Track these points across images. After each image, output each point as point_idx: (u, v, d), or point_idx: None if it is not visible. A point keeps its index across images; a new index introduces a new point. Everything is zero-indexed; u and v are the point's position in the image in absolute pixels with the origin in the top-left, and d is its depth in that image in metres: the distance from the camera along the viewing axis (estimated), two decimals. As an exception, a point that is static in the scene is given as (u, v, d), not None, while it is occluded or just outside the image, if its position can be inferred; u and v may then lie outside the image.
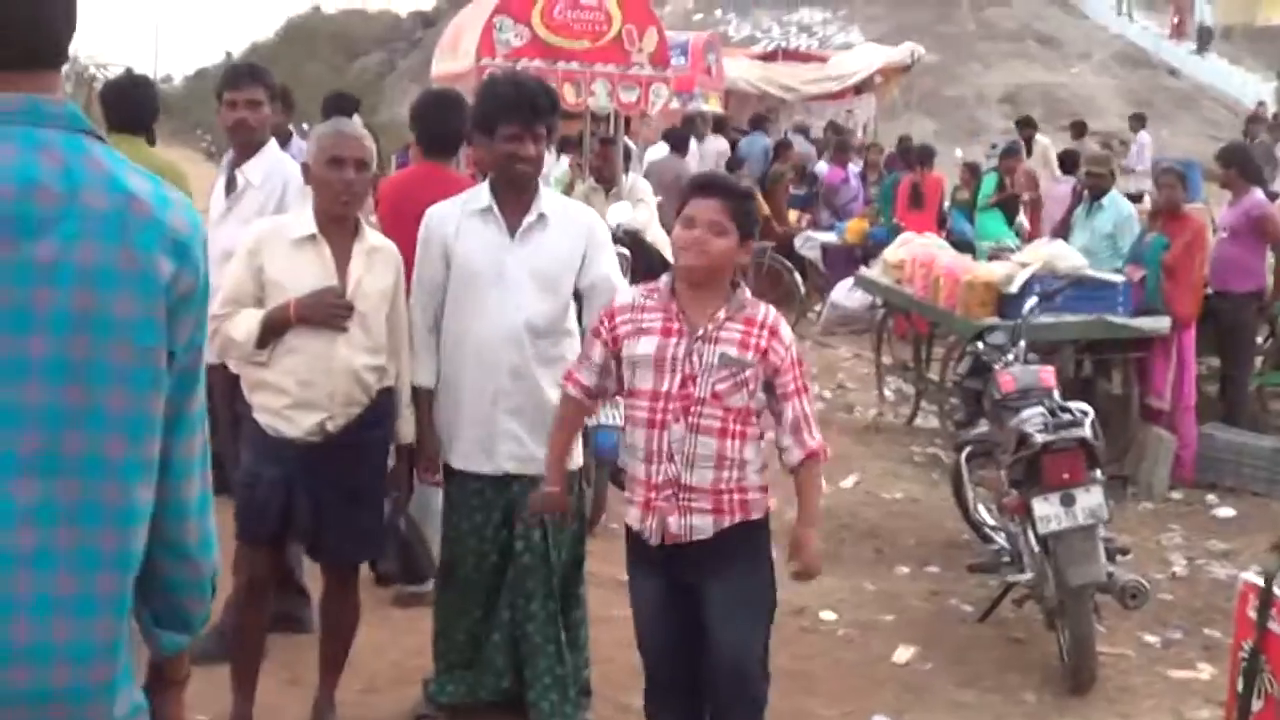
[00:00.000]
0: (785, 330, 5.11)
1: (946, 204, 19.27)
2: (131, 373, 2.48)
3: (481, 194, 6.05)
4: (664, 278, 5.15)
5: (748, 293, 5.14)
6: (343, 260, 5.72)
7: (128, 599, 2.56)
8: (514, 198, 5.99)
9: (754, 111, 25.79)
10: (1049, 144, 23.04)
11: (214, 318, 5.67)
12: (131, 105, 8.26)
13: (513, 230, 5.96)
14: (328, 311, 5.61)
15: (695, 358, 4.96)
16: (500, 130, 5.88)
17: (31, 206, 2.41)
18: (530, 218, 5.96)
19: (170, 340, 2.54)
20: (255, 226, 6.02)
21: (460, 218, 6.04)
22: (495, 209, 5.98)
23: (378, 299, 5.76)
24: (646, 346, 5.02)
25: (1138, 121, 29.16)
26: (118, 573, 2.51)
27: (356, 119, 11.94)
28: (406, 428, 6.03)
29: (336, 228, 5.74)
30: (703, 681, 5.22)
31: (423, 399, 6.16)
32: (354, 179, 5.68)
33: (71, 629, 2.45)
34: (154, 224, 2.51)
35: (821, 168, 22.12)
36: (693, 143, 21.66)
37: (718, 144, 22.22)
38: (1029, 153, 21.03)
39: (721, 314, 5.00)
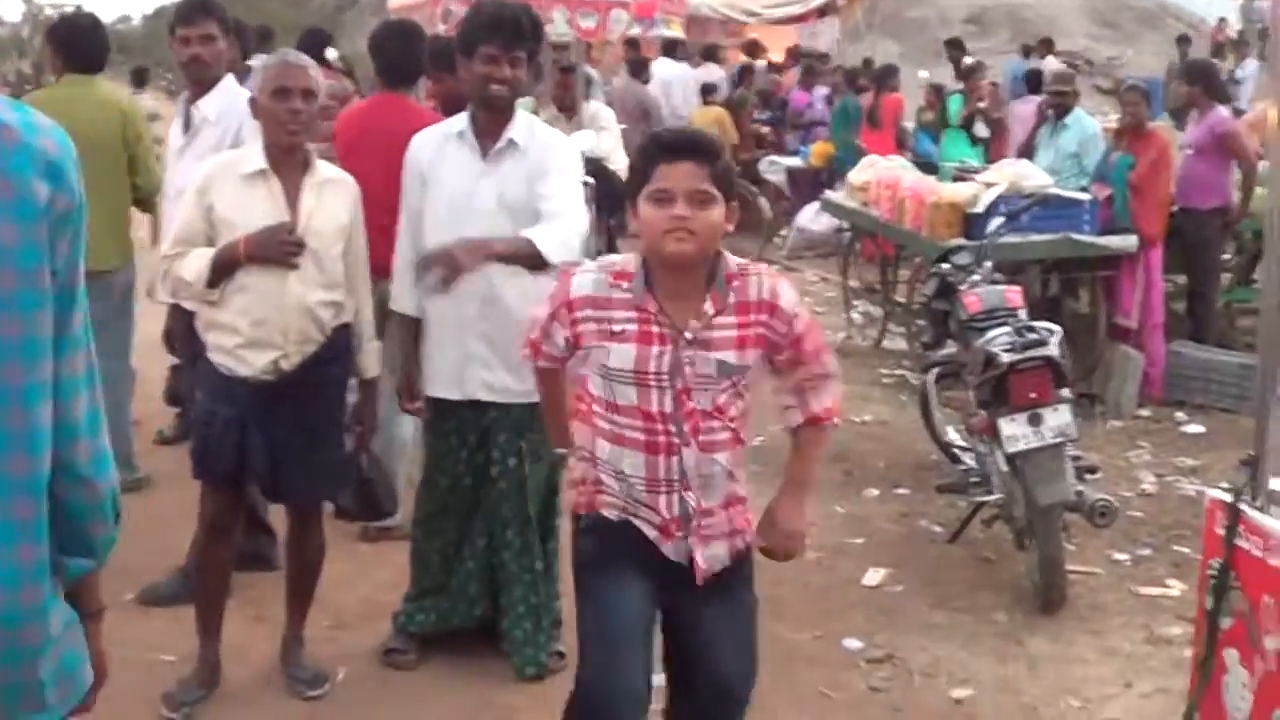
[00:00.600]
0: (786, 296, 4.26)
1: (911, 125, 19.21)
2: (19, 298, 2.48)
3: (461, 118, 6.01)
4: (633, 261, 4.23)
5: (733, 262, 4.25)
6: (294, 195, 5.63)
7: (44, 522, 2.57)
8: (490, 122, 5.92)
9: (714, 37, 25.71)
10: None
11: (165, 257, 5.67)
12: (84, 44, 8.17)
13: (485, 155, 5.92)
14: (278, 248, 5.52)
15: (687, 369, 4.14)
16: (479, 50, 5.79)
17: None
18: (500, 143, 5.90)
19: (51, 260, 2.54)
20: (205, 164, 5.94)
21: (438, 142, 6.01)
22: (470, 133, 5.93)
23: (331, 234, 5.68)
24: (622, 359, 4.16)
25: (1045, 46, 28.68)
26: (32, 497, 2.53)
27: (332, 52, 11.90)
28: (369, 362, 5.98)
29: (287, 162, 5.65)
30: (679, 698, 4.58)
31: (406, 326, 6.16)
32: (301, 108, 5.57)
33: None
34: (24, 149, 2.51)
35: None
36: (678, 68, 21.64)
37: (713, 71, 22.24)
38: (957, 74, 20.96)
39: (709, 308, 4.16)
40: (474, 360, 5.96)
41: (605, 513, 4.39)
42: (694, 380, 4.15)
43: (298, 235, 5.56)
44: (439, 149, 5.98)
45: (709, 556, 4.33)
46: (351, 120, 7.61)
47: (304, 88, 5.60)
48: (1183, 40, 32.56)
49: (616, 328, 4.17)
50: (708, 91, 20.29)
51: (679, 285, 4.16)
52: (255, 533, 6.94)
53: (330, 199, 5.73)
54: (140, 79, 23.98)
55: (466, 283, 5.73)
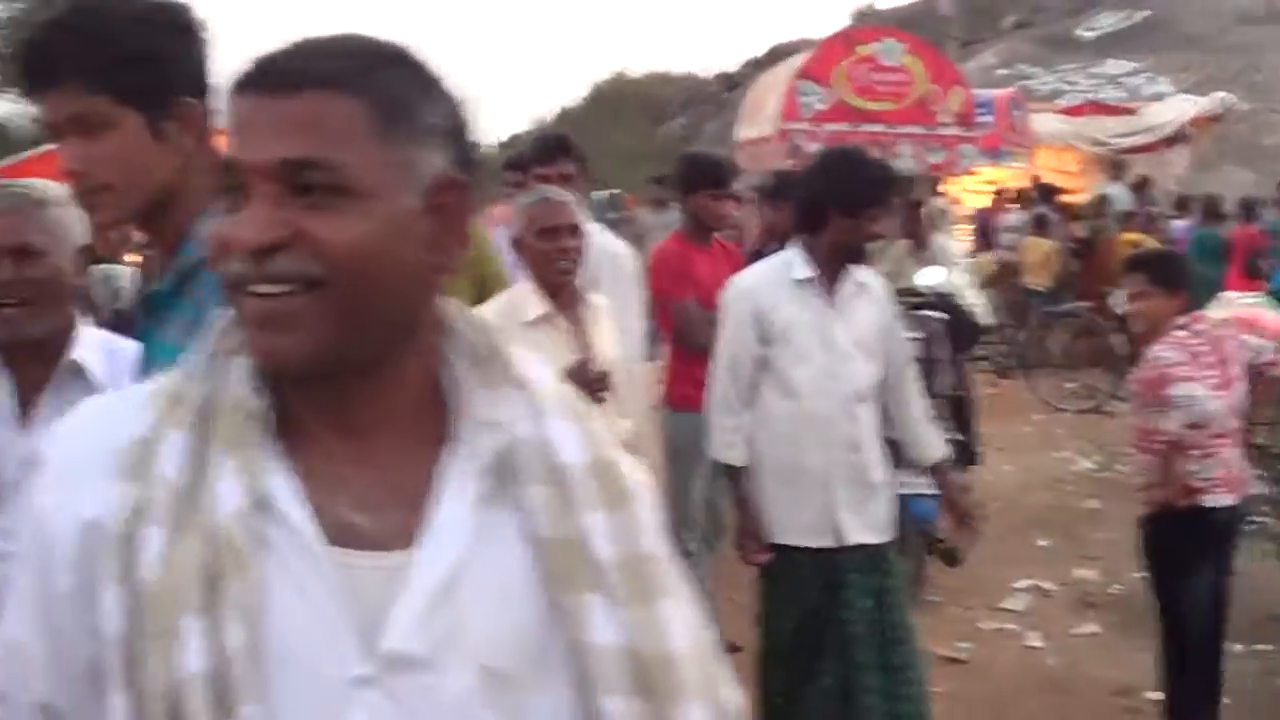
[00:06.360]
0: None
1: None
2: None
3: (796, 264, 6.05)
4: None
5: None
6: (581, 330, 5.72)
7: None
8: (838, 268, 6.02)
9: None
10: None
11: None
12: None
13: (833, 299, 6.00)
14: (589, 388, 5.52)
15: None
16: (870, 211, 5.90)
17: None
18: (850, 288, 6.02)
19: None
20: (482, 314, 6.01)
21: (778, 287, 6.05)
22: (817, 280, 5.99)
23: (617, 361, 5.76)
24: None
25: None
26: None
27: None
28: None
29: (564, 299, 5.72)
30: None
31: (739, 477, 6.13)
32: (570, 246, 5.65)
33: None
34: None
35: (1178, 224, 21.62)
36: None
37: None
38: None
39: None
40: (841, 506, 5.96)
41: None
42: None
43: (600, 369, 5.61)
44: (785, 297, 6.03)
45: None
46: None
47: (570, 225, 5.67)
48: None
49: None
50: (1041, 224, 20.07)
51: None
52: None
53: (606, 325, 5.83)
54: None
55: (837, 429, 5.85)
